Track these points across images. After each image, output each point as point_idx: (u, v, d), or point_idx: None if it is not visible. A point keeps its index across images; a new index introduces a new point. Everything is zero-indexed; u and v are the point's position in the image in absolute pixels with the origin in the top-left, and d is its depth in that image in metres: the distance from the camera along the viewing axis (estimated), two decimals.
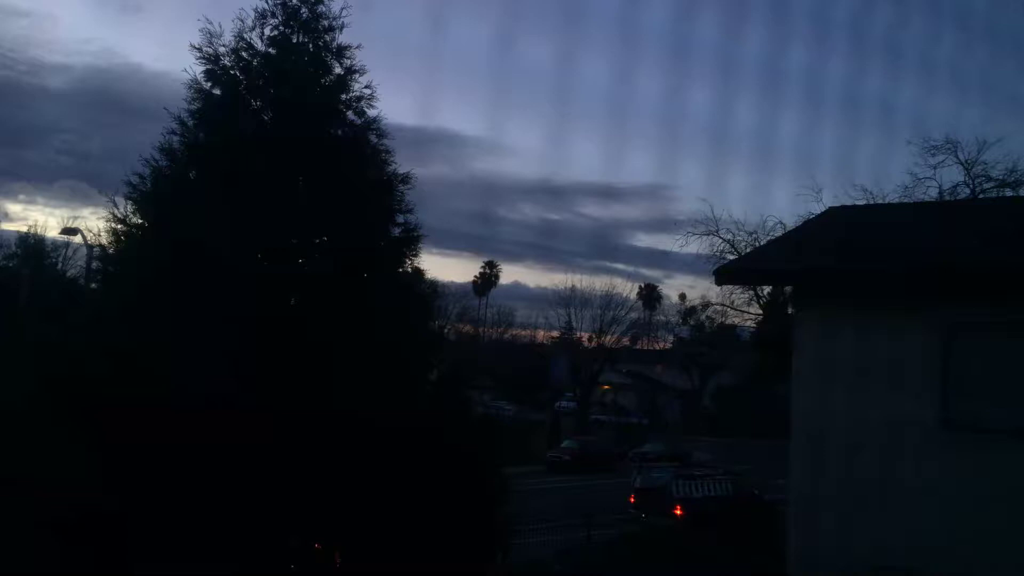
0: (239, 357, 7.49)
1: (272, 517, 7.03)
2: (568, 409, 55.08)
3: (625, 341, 62.81)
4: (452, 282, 63.91)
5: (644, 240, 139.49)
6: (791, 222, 29.81)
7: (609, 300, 56.76)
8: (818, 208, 24.85)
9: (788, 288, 18.54)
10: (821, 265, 10.43)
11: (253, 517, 6.82)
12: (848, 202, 25.27)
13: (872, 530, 9.33)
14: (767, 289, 32.77)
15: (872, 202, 25.80)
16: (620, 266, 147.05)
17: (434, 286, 9.90)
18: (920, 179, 27.51)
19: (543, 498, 26.11)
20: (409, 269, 9.25)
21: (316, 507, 7.32)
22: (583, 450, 40.82)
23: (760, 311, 36.00)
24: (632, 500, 23.86)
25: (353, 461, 7.46)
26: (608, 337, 56.75)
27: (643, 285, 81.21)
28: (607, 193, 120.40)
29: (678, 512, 22.27)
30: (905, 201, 18.29)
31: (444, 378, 9.39)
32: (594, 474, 35.87)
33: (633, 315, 62.57)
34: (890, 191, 28.61)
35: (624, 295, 59.53)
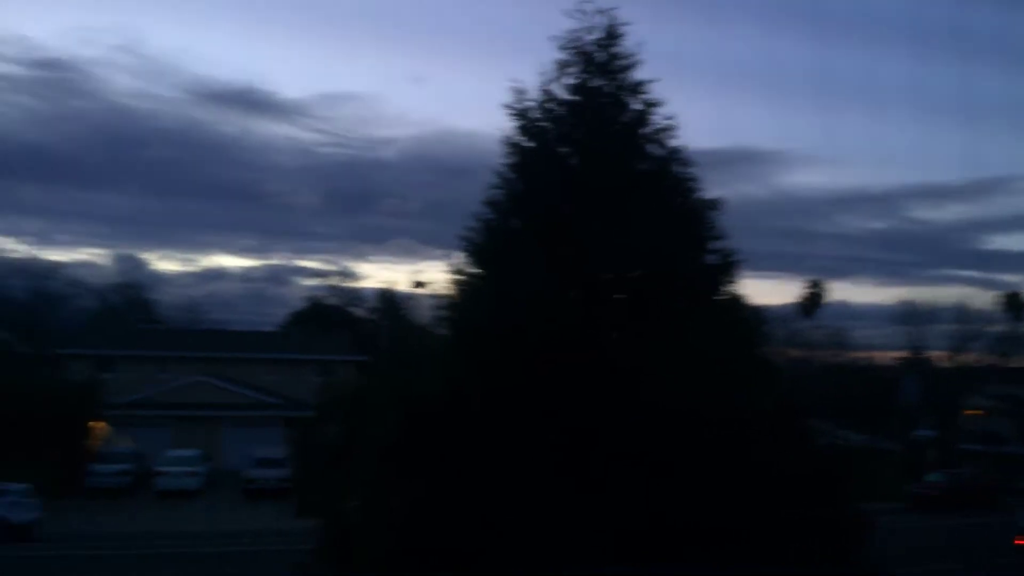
0: (568, 394, 7.79)
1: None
2: (926, 437, 49.04)
3: (990, 359, 54.72)
4: (772, 304, 60.79)
5: (996, 242, 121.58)
6: None
7: (962, 313, 50.05)
8: None
9: None
10: None
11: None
12: None
13: None
14: None
15: None
16: (970, 273, 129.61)
17: (757, 311, 9.40)
18: None
19: (907, 539, 23.40)
20: (727, 296, 8.94)
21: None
22: (954, 484, 36.20)
23: None
24: (1019, 543, 20.48)
25: (699, 492, 7.37)
26: (967, 355, 49.86)
27: (1004, 293, 69.89)
28: (938, 192, 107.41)
29: None
30: None
31: (778, 406, 8.83)
32: (969, 511, 31.42)
33: (996, 328, 54.47)
34: None
35: (981, 306, 52.12)
